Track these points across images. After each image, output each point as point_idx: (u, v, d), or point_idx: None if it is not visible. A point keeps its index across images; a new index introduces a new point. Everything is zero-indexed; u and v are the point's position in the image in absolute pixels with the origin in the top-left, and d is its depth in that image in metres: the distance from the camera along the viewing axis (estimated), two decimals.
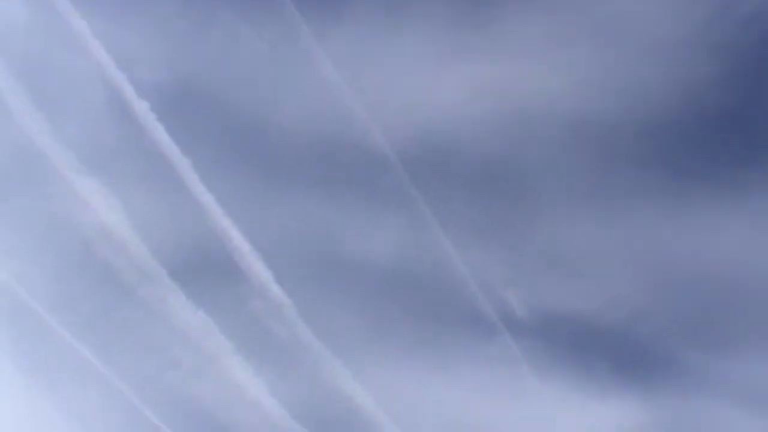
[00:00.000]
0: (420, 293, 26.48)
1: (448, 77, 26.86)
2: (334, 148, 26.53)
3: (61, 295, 23.87)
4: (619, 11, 27.11)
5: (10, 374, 23.16)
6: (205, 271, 25.19)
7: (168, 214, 25.02)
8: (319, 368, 25.02)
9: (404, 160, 26.61)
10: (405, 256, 26.66)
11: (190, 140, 25.06)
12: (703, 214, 27.46)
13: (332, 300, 26.00)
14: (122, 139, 24.79)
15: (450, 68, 26.83)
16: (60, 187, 23.93)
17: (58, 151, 23.85)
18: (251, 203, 25.71)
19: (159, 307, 24.37)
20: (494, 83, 26.92)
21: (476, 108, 26.85)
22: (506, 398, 25.84)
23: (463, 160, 27.11)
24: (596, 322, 26.85)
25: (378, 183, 26.65)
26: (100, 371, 23.63)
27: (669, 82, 27.29)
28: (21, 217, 23.82)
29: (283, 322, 25.03)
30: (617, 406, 26.18)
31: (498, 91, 26.93)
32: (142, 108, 24.40)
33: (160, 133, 24.81)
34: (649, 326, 27.12)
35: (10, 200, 23.85)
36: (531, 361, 26.16)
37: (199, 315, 24.48)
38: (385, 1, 26.76)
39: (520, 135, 27.22)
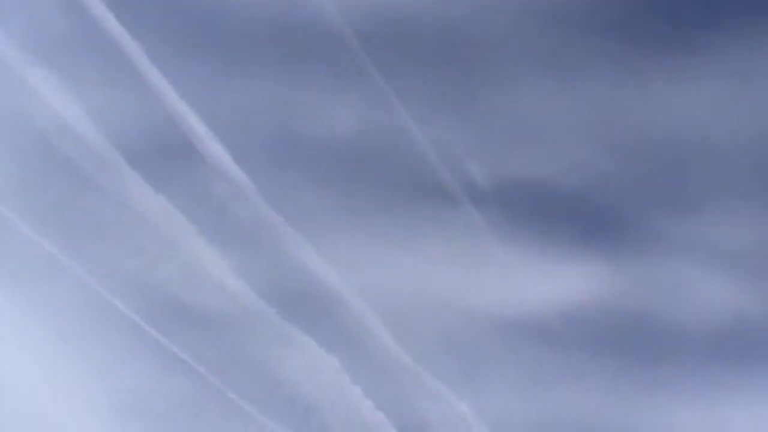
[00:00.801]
0: (381, 168, 26.56)
1: None
2: (289, 26, 26.33)
3: (18, 188, 23.95)
4: None
5: None
6: (164, 156, 25.25)
7: (122, 101, 24.98)
8: (282, 246, 25.21)
9: (360, 35, 26.43)
10: (365, 131, 26.66)
11: (140, 25, 24.88)
12: (668, 76, 27.35)
13: (293, 178, 26.10)
14: (71, 28, 24.59)
15: None
16: (10, 79, 23.83)
17: (5, 44, 23.69)
18: (207, 85, 25.64)
19: (119, 195, 24.48)
20: None
21: None
22: (470, 267, 26.09)
23: (420, 32, 26.90)
24: (559, 187, 26.96)
25: (335, 59, 26.49)
26: (63, 263, 23.83)
27: None
28: None
29: (244, 203, 25.16)
30: (581, 271, 26.43)
31: None
32: None
33: (109, 20, 24.61)
34: (613, 190, 27.22)
35: None
36: (494, 230, 26.32)
37: (159, 200, 24.58)
38: None
39: (477, 4, 26.97)
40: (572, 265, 26.45)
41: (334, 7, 26.20)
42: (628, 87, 27.16)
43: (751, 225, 26.98)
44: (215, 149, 25.18)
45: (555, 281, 26.25)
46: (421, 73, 26.82)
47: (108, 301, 24.19)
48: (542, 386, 25.49)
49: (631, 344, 26.15)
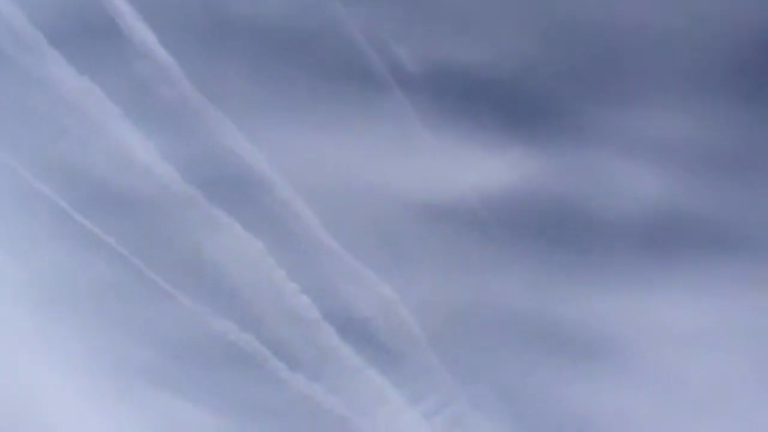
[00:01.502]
0: (309, 51, 26.31)
1: None
2: None
3: None
4: None
5: None
6: (87, 36, 24.83)
7: None
8: (209, 130, 25.00)
9: None
10: (293, 14, 26.36)
11: None
12: None
13: (220, 61, 25.81)
14: None
15: None
16: None
17: None
18: None
19: (41, 76, 24.07)
20: None
21: None
22: (398, 153, 26.07)
23: None
24: (489, 75, 26.89)
25: None
26: None
27: None
28: None
29: (170, 85, 24.85)
30: (508, 159, 26.51)
31: None
32: None
33: None
34: (543, 79, 27.21)
35: None
36: (423, 116, 26.28)
37: (83, 81, 24.21)
38: None
39: None
40: (499, 152, 26.52)
41: None
42: None
43: (678, 117, 27.13)
44: (141, 30, 24.78)
45: (481, 168, 26.32)
46: None
47: (32, 184, 23.94)
48: (466, 272, 25.69)
49: (556, 232, 26.38)
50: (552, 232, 26.32)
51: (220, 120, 25.01)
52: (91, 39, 24.70)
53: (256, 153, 25.03)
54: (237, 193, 24.84)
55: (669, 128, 27.02)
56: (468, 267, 25.66)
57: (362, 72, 26.29)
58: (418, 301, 24.84)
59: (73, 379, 23.12)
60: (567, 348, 25.38)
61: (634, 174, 26.64)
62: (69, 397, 22.94)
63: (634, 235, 26.52)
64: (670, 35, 27.42)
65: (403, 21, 26.64)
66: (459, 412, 24.10)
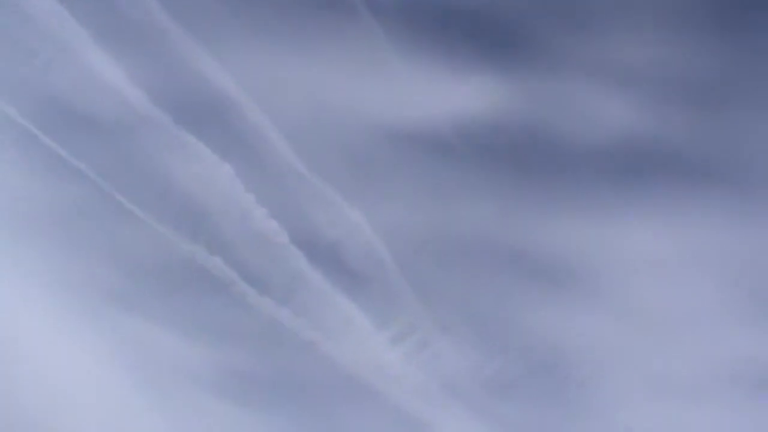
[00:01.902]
0: None
1: None
2: None
3: None
4: None
5: None
6: None
7: None
8: (178, 53, 24.83)
9: None
10: None
11: None
12: None
13: None
14: None
15: None
16: None
17: None
18: None
19: None
20: None
21: None
22: (369, 78, 25.98)
23: None
24: (459, 1, 26.74)
25: None
26: None
27: None
28: None
29: (139, 7, 24.62)
30: (478, 85, 26.45)
31: None
32: None
33: None
34: (513, 4, 27.08)
35: None
36: (394, 41, 26.15)
37: (50, 3, 23.96)
38: None
39: None
40: (469, 78, 26.45)
41: None
42: None
43: (648, 44, 27.09)
44: None
45: (451, 94, 26.27)
46: None
47: None
48: (435, 197, 25.73)
49: (525, 159, 26.41)
50: (521, 158, 26.36)
51: (190, 43, 24.82)
52: None
53: (226, 76, 24.89)
54: (206, 117, 24.74)
55: (640, 55, 26.99)
56: (437, 192, 25.71)
57: None
58: (387, 226, 24.89)
59: (40, 302, 23.10)
60: (535, 274, 25.53)
61: (604, 102, 26.65)
62: (35, 319, 22.94)
63: (603, 163, 26.60)
64: None
65: None
66: (427, 336, 24.25)
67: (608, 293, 25.85)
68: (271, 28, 25.82)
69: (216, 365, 23.53)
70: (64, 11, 24.01)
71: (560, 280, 25.67)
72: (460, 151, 26.05)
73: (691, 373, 25.39)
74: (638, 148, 26.69)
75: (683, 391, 25.29)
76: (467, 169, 26.03)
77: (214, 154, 24.19)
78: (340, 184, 24.78)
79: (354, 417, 23.78)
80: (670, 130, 26.68)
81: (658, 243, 26.34)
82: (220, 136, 24.51)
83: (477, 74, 26.45)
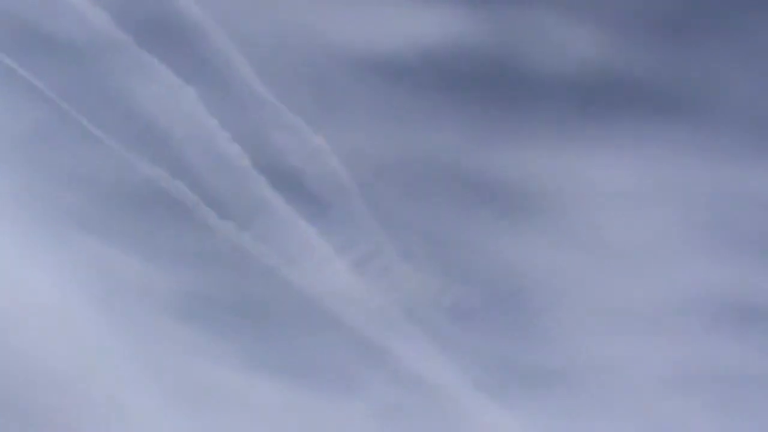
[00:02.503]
0: None
1: None
2: None
3: None
4: None
5: None
6: None
7: None
8: None
9: None
10: None
11: None
12: None
13: None
14: None
15: None
16: None
17: None
18: None
19: None
20: None
21: None
22: (334, 4, 25.82)
23: None
24: None
25: None
26: None
27: None
28: None
29: None
30: (446, 12, 26.31)
31: None
32: None
33: None
34: None
35: None
36: None
37: None
38: None
39: None
40: (435, 6, 26.29)
41: None
42: None
43: None
44: None
45: (417, 22, 26.10)
46: None
47: None
48: (399, 124, 25.66)
49: (490, 87, 26.33)
50: (487, 87, 26.28)
51: None
52: None
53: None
54: (170, 40, 24.52)
55: None
56: (401, 119, 25.62)
57: None
58: (351, 152, 24.82)
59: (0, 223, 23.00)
60: (499, 202, 25.54)
61: (571, 31, 26.54)
62: None
63: (570, 93, 26.54)
64: None
65: None
66: (387, 262, 24.27)
67: (572, 224, 25.92)
68: None
69: (176, 288, 23.53)
70: None
71: (524, 209, 25.71)
72: (425, 79, 25.95)
73: (651, 303, 25.53)
74: (605, 78, 26.66)
75: (643, 320, 25.45)
76: (433, 97, 25.95)
77: (177, 77, 24.01)
78: (304, 109, 24.67)
79: (314, 341, 23.85)
80: (637, 61, 26.64)
81: (622, 175, 26.38)
82: (183, 60, 24.32)
83: (443, 2, 26.29)
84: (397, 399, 23.90)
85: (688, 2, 26.87)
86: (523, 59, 26.37)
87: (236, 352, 23.46)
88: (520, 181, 25.69)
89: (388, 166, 25.24)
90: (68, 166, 23.97)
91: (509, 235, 25.42)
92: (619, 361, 24.99)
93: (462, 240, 25.16)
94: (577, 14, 26.55)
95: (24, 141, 23.83)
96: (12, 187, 23.43)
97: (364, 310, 23.91)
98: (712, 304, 25.63)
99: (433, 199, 25.22)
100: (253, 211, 23.84)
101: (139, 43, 24.05)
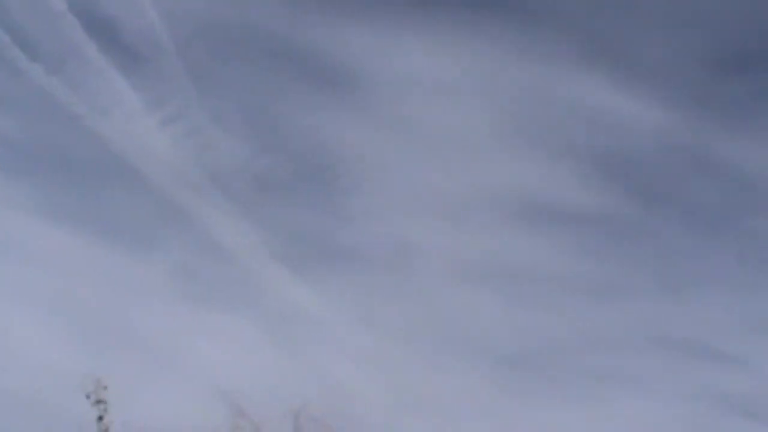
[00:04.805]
0: None
1: None
2: None
3: None
4: None
5: None
6: None
7: None
8: None
9: None
10: None
11: None
12: None
13: None
14: None
15: None
16: None
17: None
18: None
19: None
20: None
21: None
22: None
23: None
24: None
25: None
26: None
27: None
28: None
29: None
30: None
31: None
32: None
33: None
34: None
35: None
36: None
37: None
38: None
39: None
40: None
41: None
42: None
43: None
44: None
45: None
46: None
47: None
48: None
49: None
50: None
51: None
52: None
53: None
54: None
55: None
56: None
57: None
58: (171, 8, 24.29)
59: None
60: (318, 78, 25.49)
61: None
62: None
63: None
64: None
65: None
66: (198, 124, 24.04)
67: (387, 108, 26.09)
68: None
69: None
70: None
71: (342, 89, 25.74)
72: None
73: (454, 194, 26.01)
74: None
75: (444, 210, 25.92)
76: None
77: None
78: None
79: (116, 196, 23.61)
80: None
81: (441, 66, 26.59)
82: None
83: None
84: (195, 262, 23.89)
85: None
86: None
87: (34, 198, 23.03)
88: (340, 61, 25.69)
89: (209, 27, 24.88)
90: None
91: (324, 112, 25.46)
92: (416, 246, 25.45)
93: (276, 110, 25.09)
94: None
95: None
96: None
97: (169, 170, 23.68)
98: (511, 201, 26.28)
99: (252, 66, 25.03)
100: (64, 56, 23.19)
101: None
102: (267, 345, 23.11)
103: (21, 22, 23.01)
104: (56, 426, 14.30)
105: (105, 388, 13.77)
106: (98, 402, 13.72)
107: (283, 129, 24.96)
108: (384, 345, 23.99)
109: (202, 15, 24.82)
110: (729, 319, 25.67)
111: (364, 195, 25.51)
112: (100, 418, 13.71)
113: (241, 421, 18.88)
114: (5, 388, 18.12)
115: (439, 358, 24.08)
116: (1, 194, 22.73)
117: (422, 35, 26.52)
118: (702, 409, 23.46)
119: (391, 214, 25.68)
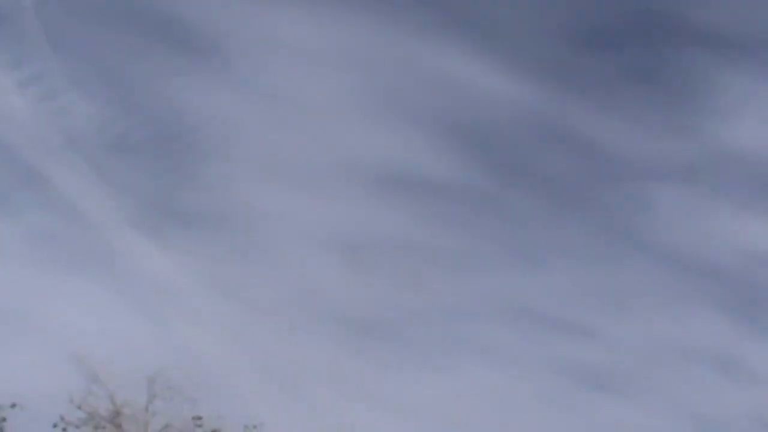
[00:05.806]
0: None
1: None
2: None
3: None
4: None
5: None
6: None
7: None
8: None
9: None
10: None
11: None
12: None
13: None
14: None
15: None
16: None
17: None
18: None
19: None
20: None
21: None
22: None
23: None
24: None
25: None
26: None
27: None
28: None
29: None
30: None
31: None
32: None
33: None
34: None
35: None
36: None
37: None
38: None
39: None
40: None
41: None
42: None
43: None
44: None
45: None
46: None
47: None
48: None
49: None
50: None
51: None
52: None
53: None
54: None
55: None
56: None
57: None
58: None
59: None
60: (178, 42, 25.28)
61: None
62: None
63: None
64: None
65: None
66: (55, 87, 23.63)
67: (251, 74, 26.02)
68: None
69: None
70: None
71: (203, 54, 25.57)
72: None
73: (316, 163, 26.12)
74: None
75: (307, 179, 26.03)
76: None
77: None
78: None
79: None
80: None
81: (309, 34, 26.54)
82: None
83: None
84: (51, 226, 23.55)
85: None
86: None
87: None
88: (202, 25, 25.51)
89: None
90: None
91: (184, 76, 25.27)
92: (276, 214, 25.52)
93: (134, 74, 24.86)
94: None
95: None
96: None
97: (25, 132, 23.27)
98: (369, 171, 26.57)
99: (111, 29, 24.70)
100: None
101: None
102: (123, 311, 22.97)
103: None
104: None
105: None
106: None
107: (142, 93, 24.78)
108: (239, 312, 24.05)
109: None
110: (581, 291, 26.36)
111: (221, 161, 25.48)
112: None
113: (95, 387, 18.79)
114: None
115: (294, 325, 24.22)
116: None
117: (288, 2, 26.47)
118: (554, 380, 24.09)
119: (247, 181, 25.72)
